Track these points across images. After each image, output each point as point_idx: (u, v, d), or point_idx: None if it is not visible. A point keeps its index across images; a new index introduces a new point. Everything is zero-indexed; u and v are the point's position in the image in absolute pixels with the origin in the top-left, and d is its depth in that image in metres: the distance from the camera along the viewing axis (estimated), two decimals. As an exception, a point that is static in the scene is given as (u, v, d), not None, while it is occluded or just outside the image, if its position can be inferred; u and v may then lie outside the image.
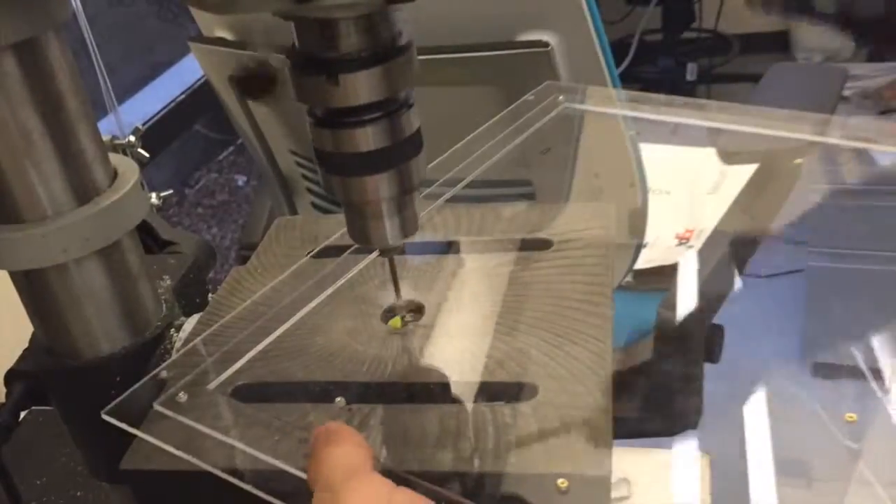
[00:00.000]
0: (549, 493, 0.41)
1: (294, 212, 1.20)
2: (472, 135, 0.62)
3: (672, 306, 0.87)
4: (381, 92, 0.39)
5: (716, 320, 1.01)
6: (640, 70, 2.78)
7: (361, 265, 0.57)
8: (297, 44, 0.39)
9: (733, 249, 0.93)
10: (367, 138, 0.40)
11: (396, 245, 0.46)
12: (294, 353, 0.51)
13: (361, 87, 0.39)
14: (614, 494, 0.55)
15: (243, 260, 0.63)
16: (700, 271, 0.90)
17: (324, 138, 0.41)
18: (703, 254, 0.96)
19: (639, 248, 1.00)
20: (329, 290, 0.56)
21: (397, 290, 0.53)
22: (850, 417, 0.58)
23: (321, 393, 0.48)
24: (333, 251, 0.59)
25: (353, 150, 0.41)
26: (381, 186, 0.42)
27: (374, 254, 0.58)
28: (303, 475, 0.36)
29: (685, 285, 0.86)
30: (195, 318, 0.53)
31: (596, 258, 0.56)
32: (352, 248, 0.58)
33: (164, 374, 0.47)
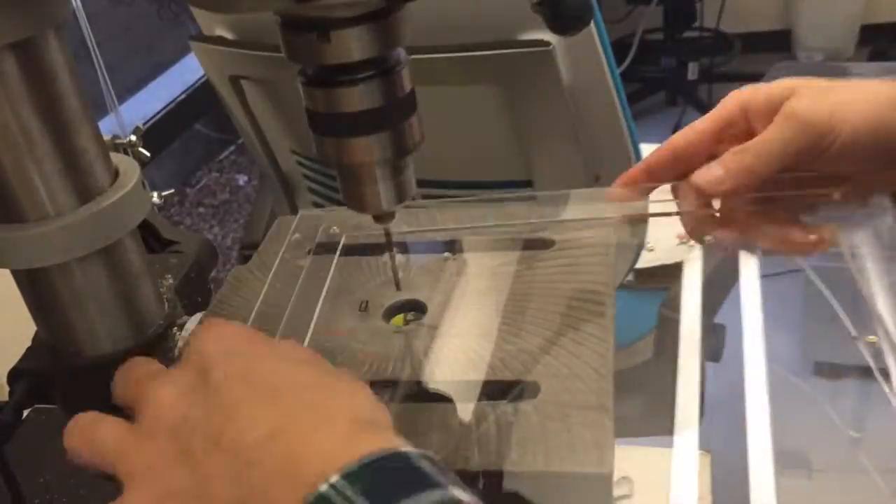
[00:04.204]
0: (551, 491, 0.41)
1: (295, 211, 1.20)
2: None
3: (673, 306, 0.87)
4: (374, 49, 0.38)
5: (716, 320, 1.01)
6: (641, 69, 2.78)
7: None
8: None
9: (734, 249, 0.93)
10: (360, 97, 0.39)
11: (391, 210, 0.45)
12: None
13: (353, 43, 0.38)
14: (616, 493, 0.55)
15: (245, 259, 0.63)
16: (701, 271, 0.90)
17: (316, 98, 0.40)
18: (703, 254, 0.96)
19: (640, 247, 1.00)
20: (328, 287, 0.56)
21: (396, 276, 0.52)
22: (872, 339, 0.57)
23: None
24: (332, 248, 0.59)
25: (345, 110, 0.40)
26: (374, 148, 0.41)
27: (376, 254, 0.58)
28: None
29: (686, 285, 0.86)
30: (197, 317, 0.53)
31: (597, 257, 0.56)
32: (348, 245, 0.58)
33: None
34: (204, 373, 0.36)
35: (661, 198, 0.53)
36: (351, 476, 0.29)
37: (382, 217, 0.46)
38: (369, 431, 0.33)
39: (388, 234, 0.49)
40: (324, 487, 0.29)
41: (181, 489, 0.33)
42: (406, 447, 0.31)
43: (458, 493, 0.30)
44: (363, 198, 0.44)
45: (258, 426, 0.32)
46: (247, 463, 0.31)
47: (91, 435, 0.37)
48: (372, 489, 0.29)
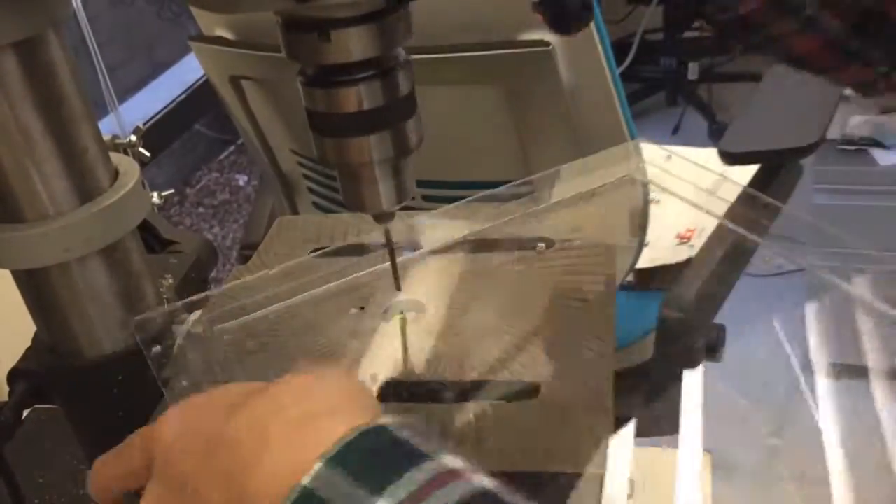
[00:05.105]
0: (551, 491, 0.41)
1: (295, 211, 1.20)
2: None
3: (673, 306, 0.87)
4: (374, 49, 0.38)
5: (716, 320, 1.01)
6: (641, 69, 2.78)
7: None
8: None
9: (734, 249, 0.93)
10: (360, 97, 0.39)
11: (391, 210, 0.45)
12: (295, 352, 0.51)
13: (354, 43, 0.38)
14: (615, 493, 0.55)
15: (245, 259, 0.63)
16: (701, 271, 0.90)
17: (316, 98, 0.40)
18: (704, 253, 0.96)
19: (640, 247, 1.00)
20: (328, 287, 0.56)
21: (396, 275, 0.52)
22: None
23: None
24: (334, 253, 0.59)
25: (345, 110, 0.40)
26: (374, 147, 0.41)
27: (376, 252, 0.58)
28: None
29: (686, 285, 0.86)
30: (196, 314, 0.53)
31: (597, 258, 0.56)
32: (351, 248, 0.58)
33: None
34: (169, 476, 0.33)
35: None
36: (332, 461, 0.27)
37: (382, 216, 0.46)
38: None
39: (387, 234, 0.49)
40: (305, 480, 0.27)
41: None
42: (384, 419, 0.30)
43: (450, 460, 0.28)
44: (363, 198, 0.44)
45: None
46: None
47: None
48: (361, 471, 0.27)
